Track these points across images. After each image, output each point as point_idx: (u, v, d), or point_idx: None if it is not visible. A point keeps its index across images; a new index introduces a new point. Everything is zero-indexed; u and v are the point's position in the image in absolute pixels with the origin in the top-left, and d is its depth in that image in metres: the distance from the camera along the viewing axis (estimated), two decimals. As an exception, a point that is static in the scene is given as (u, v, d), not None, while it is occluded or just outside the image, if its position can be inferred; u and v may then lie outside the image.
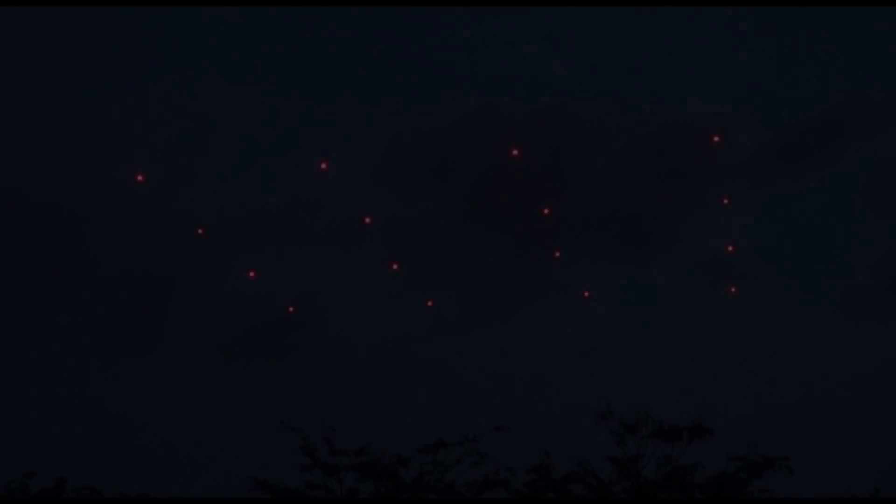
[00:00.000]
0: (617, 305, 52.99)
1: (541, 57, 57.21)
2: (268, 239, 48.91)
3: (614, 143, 51.62)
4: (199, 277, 52.85)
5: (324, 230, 49.29)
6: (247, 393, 49.84)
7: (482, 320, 52.69)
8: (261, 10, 52.62)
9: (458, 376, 51.39)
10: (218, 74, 57.94)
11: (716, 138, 35.50)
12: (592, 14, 52.61)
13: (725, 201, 41.19)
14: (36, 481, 33.42)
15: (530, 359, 51.12)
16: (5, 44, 54.86)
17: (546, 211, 38.04)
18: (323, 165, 35.94)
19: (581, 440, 33.48)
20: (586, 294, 42.42)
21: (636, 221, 50.84)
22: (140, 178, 32.71)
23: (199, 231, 38.96)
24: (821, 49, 54.50)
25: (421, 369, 52.08)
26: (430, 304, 42.22)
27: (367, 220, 37.88)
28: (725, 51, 56.42)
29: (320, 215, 49.73)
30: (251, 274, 39.40)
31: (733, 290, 41.93)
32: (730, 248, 40.22)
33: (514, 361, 51.36)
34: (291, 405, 43.10)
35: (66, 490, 33.17)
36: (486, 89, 53.59)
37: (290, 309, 41.91)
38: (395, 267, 40.33)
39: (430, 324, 52.05)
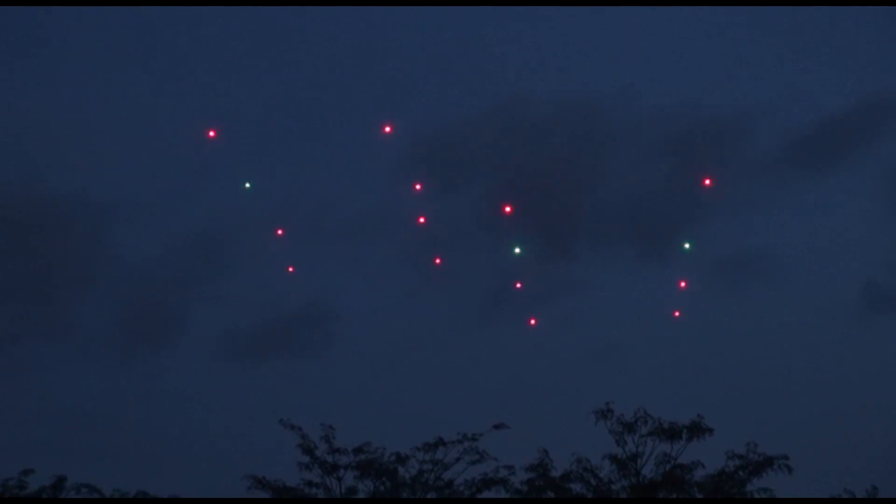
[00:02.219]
0: (633, 307, 53.08)
1: (565, 55, 57.28)
2: (286, 237, 48.96)
3: (637, 142, 51.65)
4: (216, 276, 53.22)
5: (341, 229, 49.47)
6: (252, 392, 49.99)
7: (495, 320, 52.83)
8: (285, 10, 52.65)
9: (461, 375, 51.45)
10: (239, 71, 58.31)
11: (707, 181, 35.46)
12: (616, 12, 52.50)
13: (682, 284, 40.96)
14: (35, 479, 33.38)
15: (537, 359, 51.16)
16: (31, 42, 55.26)
17: (508, 209, 37.80)
18: (387, 129, 35.66)
19: (580, 438, 33.41)
20: (532, 321, 41.95)
21: (656, 222, 50.96)
22: (212, 134, 32.61)
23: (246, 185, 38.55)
24: (845, 49, 54.38)
25: (423, 368, 52.18)
26: (437, 261, 41.48)
27: (422, 219, 37.60)
28: (751, 50, 56.40)
29: (338, 214, 49.94)
30: (290, 269, 38.90)
31: (683, 284, 41.26)
32: (682, 285, 39.95)
33: (520, 361, 51.44)
34: (294, 403, 43.25)
35: (65, 488, 33.07)
36: (510, 88, 53.58)
37: (290, 269, 41.17)
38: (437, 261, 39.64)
39: (437, 324, 52.23)
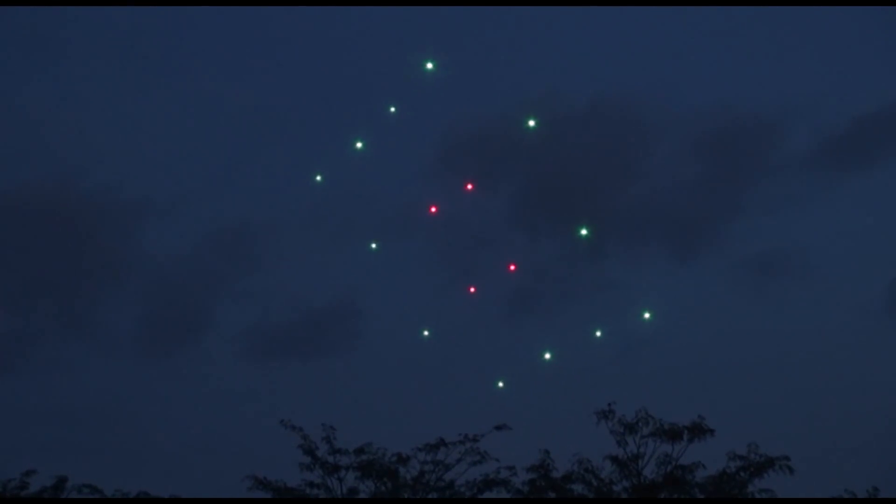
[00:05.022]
0: (658, 306, 52.65)
1: (600, 53, 57.12)
2: (307, 237, 49.00)
3: (671, 140, 51.55)
4: (243, 274, 53.36)
5: (372, 227, 49.45)
6: (269, 392, 50.03)
7: (520, 320, 52.72)
8: (312, 10, 52.65)
9: (474, 375, 51.23)
10: (266, 69, 58.31)
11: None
12: (652, 11, 52.37)
13: (511, 267, 40.75)
14: (37, 480, 33.38)
15: (537, 358, 50.78)
16: (60, 41, 55.45)
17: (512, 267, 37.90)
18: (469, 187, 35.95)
19: (582, 439, 33.41)
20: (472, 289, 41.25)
21: (688, 221, 50.88)
22: (429, 66, 32.86)
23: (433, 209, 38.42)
24: (880, 48, 54.18)
25: (438, 368, 52.07)
26: (433, 210, 40.86)
27: (433, 209, 37.38)
28: (785, 49, 56.27)
29: (369, 211, 49.90)
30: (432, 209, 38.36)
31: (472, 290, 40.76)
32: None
33: (534, 360, 51.11)
34: (308, 403, 43.51)
35: (66, 489, 33.07)
36: (545, 85, 53.35)
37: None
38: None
39: (460, 323, 51.84)
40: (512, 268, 38.66)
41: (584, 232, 37.56)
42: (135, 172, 56.74)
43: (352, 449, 33.87)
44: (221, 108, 58.22)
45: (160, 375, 52.31)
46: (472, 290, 40.54)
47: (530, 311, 52.63)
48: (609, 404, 32.74)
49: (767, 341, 50.73)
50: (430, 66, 33.88)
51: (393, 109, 37.03)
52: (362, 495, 33.84)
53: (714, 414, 32.81)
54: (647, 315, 36.97)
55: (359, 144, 35.41)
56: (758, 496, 31.26)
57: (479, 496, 33.50)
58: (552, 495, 32.79)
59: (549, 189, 49.36)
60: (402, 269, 53.48)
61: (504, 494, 33.24)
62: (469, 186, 38.24)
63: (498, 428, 33.28)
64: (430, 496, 33.70)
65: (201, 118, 58.28)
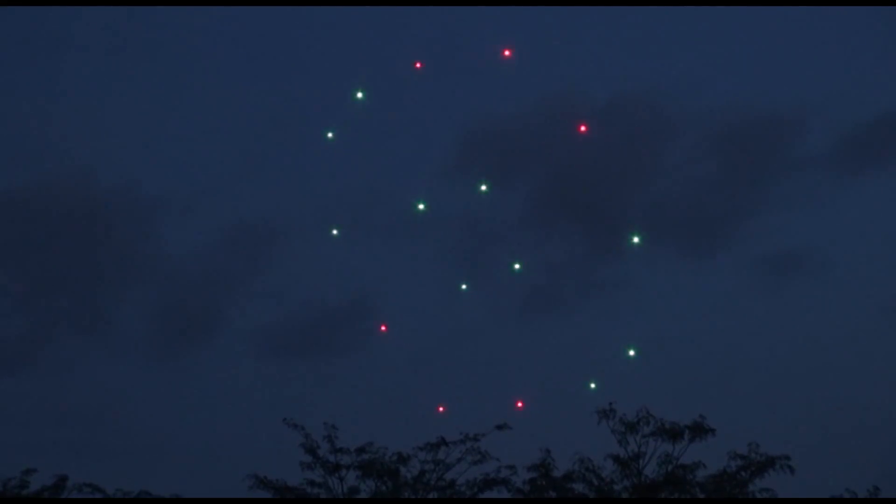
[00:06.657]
0: (670, 306, 52.47)
1: (617, 50, 56.87)
2: (321, 235, 48.90)
3: (688, 138, 51.24)
4: (257, 274, 53.58)
5: (386, 225, 49.45)
6: (275, 392, 50.01)
7: (532, 319, 52.49)
8: (330, 9, 52.71)
9: (480, 374, 51.04)
10: (282, 66, 58.49)
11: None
12: (669, 8, 51.98)
13: (383, 328, 40.50)
14: (38, 479, 33.46)
15: (559, 358, 50.59)
16: (78, 38, 55.95)
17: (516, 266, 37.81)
18: (417, 65, 35.60)
19: (583, 438, 33.23)
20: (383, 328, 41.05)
21: (702, 219, 50.66)
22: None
23: None
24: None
25: (444, 368, 51.88)
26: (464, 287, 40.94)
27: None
28: (805, 45, 55.88)
29: (384, 210, 49.95)
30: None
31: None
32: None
33: (541, 360, 50.94)
34: (306, 402, 43.24)
35: (67, 488, 33.15)
36: (561, 83, 53.11)
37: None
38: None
39: (472, 323, 51.77)
40: (516, 266, 38.39)
41: (635, 240, 37.19)
42: (150, 171, 57.02)
43: (353, 448, 33.84)
44: (237, 106, 58.35)
45: (170, 375, 52.44)
46: (464, 287, 40.41)
47: (543, 310, 52.42)
48: (610, 403, 32.75)
49: (779, 340, 50.20)
50: (360, 95, 33.73)
51: (330, 135, 37.09)
52: (363, 495, 33.83)
53: (718, 413, 32.78)
54: (631, 353, 36.45)
55: (359, 94, 35.21)
56: (758, 496, 31.23)
57: (480, 496, 33.43)
58: (553, 495, 32.71)
59: (565, 187, 49.05)
60: (415, 267, 53.27)
61: (504, 494, 33.21)
62: (482, 188, 38.08)
63: (499, 427, 33.28)
64: (430, 496, 33.66)
65: (217, 116, 58.41)
